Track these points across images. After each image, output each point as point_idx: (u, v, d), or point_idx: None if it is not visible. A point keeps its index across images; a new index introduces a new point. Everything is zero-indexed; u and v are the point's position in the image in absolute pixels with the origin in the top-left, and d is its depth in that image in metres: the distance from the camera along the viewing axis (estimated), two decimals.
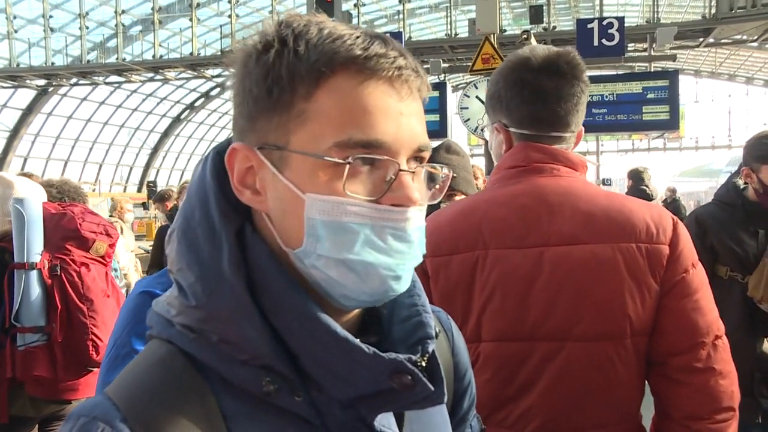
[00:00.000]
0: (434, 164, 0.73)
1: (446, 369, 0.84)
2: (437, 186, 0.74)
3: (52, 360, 2.67)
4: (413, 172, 0.67)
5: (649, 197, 6.78)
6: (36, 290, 2.64)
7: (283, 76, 0.64)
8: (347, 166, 0.63)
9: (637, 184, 7.05)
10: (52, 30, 20.51)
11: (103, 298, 2.83)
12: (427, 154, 0.69)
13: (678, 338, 1.31)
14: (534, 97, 1.43)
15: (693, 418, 1.30)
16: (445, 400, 0.70)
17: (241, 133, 0.69)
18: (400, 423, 0.74)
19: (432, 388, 0.67)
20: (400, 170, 0.65)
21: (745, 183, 2.66)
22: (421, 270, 1.34)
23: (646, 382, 1.40)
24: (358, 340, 0.65)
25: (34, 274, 2.64)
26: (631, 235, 1.31)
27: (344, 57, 0.64)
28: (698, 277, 1.35)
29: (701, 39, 15.22)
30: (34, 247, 2.65)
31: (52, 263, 2.71)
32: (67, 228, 2.79)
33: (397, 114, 0.65)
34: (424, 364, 0.68)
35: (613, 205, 1.36)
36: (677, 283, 1.31)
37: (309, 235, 0.65)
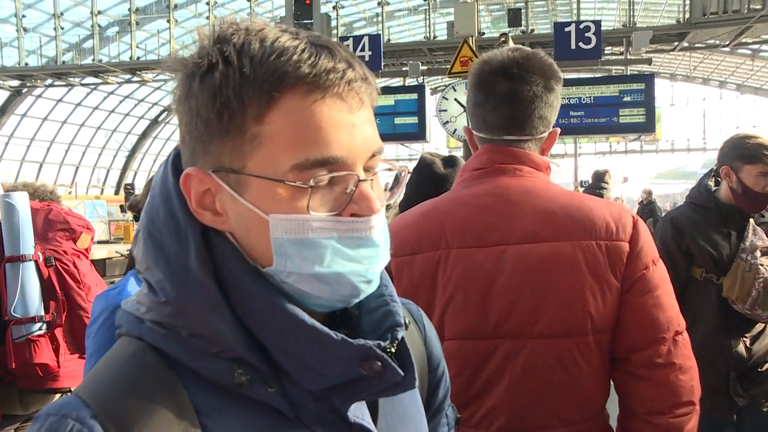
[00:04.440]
0: (391, 162, 0.75)
1: (420, 360, 0.85)
2: (397, 184, 0.75)
3: (54, 347, 2.73)
4: (372, 179, 0.68)
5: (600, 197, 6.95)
6: (34, 281, 2.69)
7: (232, 99, 0.63)
8: (309, 189, 0.63)
9: (595, 184, 7.26)
10: (25, 30, 20.11)
11: (96, 287, 2.92)
12: (380, 156, 0.70)
13: (639, 334, 1.33)
14: (485, 100, 1.45)
15: (654, 412, 1.32)
16: (416, 386, 0.71)
17: (193, 154, 0.68)
18: (374, 415, 0.74)
19: (402, 374, 0.68)
20: (360, 181, 0.66)
21: (716, 185, 2.70)
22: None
23: (612, 380, 1.41)
24: (326, 328, 0.66)
25: (30, 265, 2.68)
26: (591, 233, 1.33)
27: (293, 77, 0.63)
28: (659, 273, 1.36)
29: (676, 43, 15.44)
30: (28, 239, 2.70)
31: (45, 255, 2.77)
32: (56, 221, 2.89)
33: (350, 126, 0.66)
34: (393, 350, 0.69)
35: (573, 203, 1.38)
36: (638, 280, 1.33)
37: (278, 254, 0.66)
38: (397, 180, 0.76)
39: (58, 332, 2.76)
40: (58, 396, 2.90)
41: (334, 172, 0.65)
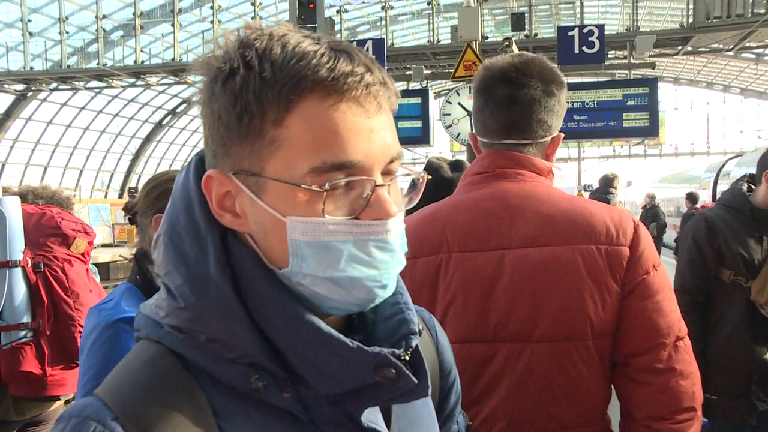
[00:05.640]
0: (410, 168, 0.75)
1: (432, 366, 0.86)
2: (415, 190, 0.75)
3: (39, 355, 2.69)
4: (389, 185, 0.68)
5: (607, 203, 6.83)
6: (21, 287, 2.66)
7: (252, 103, 0.64)
8: (325, 193, 0.64)
9: (603, 189, 7.20)
10: (30, 34, 20.24)
11: (88, 293, 2.87)
12: (399, 162, 0.71)
13: (639, 339, 1.32)
14: (485, 105, 1.47)
15: (654, 418, 1.32)
16: (429, 393, 0.71)
17: (215, 157, 0.69)
18: (387, 419, 0.75)
19: (416, 381, 0.68)
20: (376, 186, 0.66)
21: (750, 190, 2.71)
22: None
23: (613, 385, 1.41)
24: (342, 335, 0.66)
25: (17, 271, 2.66)
26: (591, 237, 1.33)
27: (311, 80, 0.63)
28: (659, 278, 1.35)
29: (680, 47, 15.44)
30: (16, 245, 2.67)
31: (35, 261, 2.74)
32: (47, 226, 2.83)
33: (368, 131, 0.66)
34: (407, 358, 0.70)
35: (574, 207, 1.38)
36: (638, 285, 1.33)
37: (294, 256, 0.66)
38: (414, 185, 0.76)
39: (44, 340, 2.71)
40: (59, 403, 2.88)
41: (351, 176, 0.65)
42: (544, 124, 1.45)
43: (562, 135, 1.50)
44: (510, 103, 1.43)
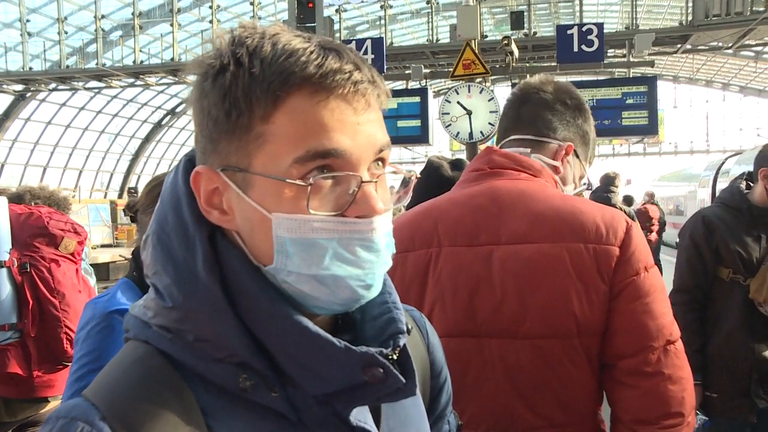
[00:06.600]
0: (396, 166, 0.75)
1: (423, 366, 0.86)
2: (405, 188, 0.75)
3: (25, 356, 2.68)
4: (376, 181, 0.68)
5: (607, 202, 6.81)
6: (6, 288, 2.65)
7: (240, 99, 0.64)
8: (309, 187, 0.64)
9: (604, 188, 7.17)
10: (29, 34, 20.22)
11: (75, 293, 2.85)
12: (387, 153, 0.70)
13: (627, 341, 1.31)
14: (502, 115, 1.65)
15: (641, 422, 1.30)
16: (417, 392, 0.72)
17: (204, 153, 0.70)
18: (376, 419, 0.75)
19: (404, 380, 0.68)
20: (363, 182, 0.66)
21: (748, 188, 2.71)
22: None
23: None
24: (330, 335, 0.66)
25: (3, 272, 2.65)
26: (580, 236, 1.32)
27: (299, 77, 0.64)
28: (651, 280, 1.33)
29: (679, 45, 15.42)
30: (3, 245, 2.67)
31: (21, 261, 2.73)
32: (34, 226, 2.82)
33: (354, 125, 0.66)
34: (395, 357, 0.70)
35: (566, 206, 1.38)
36: (627, 286, 1.31)
37: (278, 253, 0.66)
38: (405, 184, 0.76)
39: (30, 341, 2.70)
40: (55, 403, 2.87)
41: (336, 170, 0.65)
42: (548, 123, 1.51)
43: (569, 146, 1.54)
44: (520, 101, 1.56)
